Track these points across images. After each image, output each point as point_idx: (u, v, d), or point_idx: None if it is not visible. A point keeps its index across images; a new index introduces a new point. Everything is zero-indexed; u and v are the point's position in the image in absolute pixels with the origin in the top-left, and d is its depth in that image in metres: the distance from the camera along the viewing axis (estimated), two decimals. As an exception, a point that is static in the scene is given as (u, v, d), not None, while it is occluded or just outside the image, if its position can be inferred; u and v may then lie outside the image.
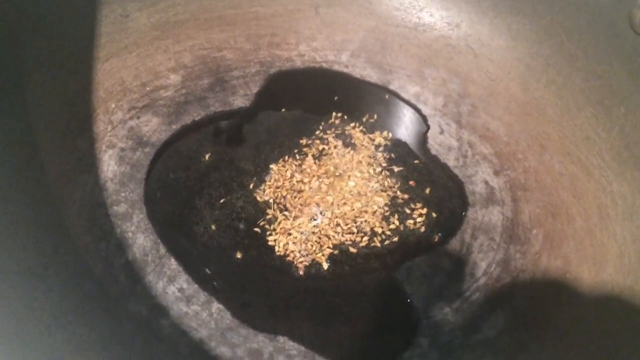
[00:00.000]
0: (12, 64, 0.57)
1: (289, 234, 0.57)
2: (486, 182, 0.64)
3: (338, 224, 0.59)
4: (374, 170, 0.64)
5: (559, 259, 0.56)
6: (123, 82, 0.66)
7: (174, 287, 0.52)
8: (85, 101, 0.63)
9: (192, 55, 0.72)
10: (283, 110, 0.70)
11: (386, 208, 0.61)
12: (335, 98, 0.73)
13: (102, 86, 0.65)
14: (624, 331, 0.48)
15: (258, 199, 0.60)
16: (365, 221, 0.59)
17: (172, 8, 0.72)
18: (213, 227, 0.57)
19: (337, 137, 0.67)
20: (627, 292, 0.50)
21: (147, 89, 0.68)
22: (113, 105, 0.65)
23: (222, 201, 0.59)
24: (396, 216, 0.60)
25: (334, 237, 0.58)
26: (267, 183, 0.61)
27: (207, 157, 0.63)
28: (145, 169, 0.61)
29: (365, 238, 0.58)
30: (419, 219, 0.60)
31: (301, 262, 0.56)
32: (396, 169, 0.64)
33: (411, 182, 0.63)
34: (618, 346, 0.47)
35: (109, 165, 0.60)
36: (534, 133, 0.67)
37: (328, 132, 0.68)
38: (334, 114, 0.70)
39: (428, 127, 0.69)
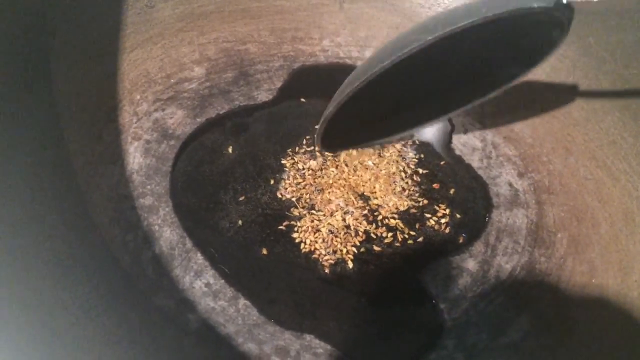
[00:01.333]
0: (40, 54, 0.57)
1: (315, 231, 0.57)
2: (510, 184, 0.64)
3: (363, 223, 0.59)
4: (399, 169, 0.63)
5: (584, 264, 0.56)
6: (148, 74, 0.66)
7: (200, 282, 0.52)
8: (111, 92, 0.63)
9: (216, 47, 0.72)
10: (307, 105, 0.69)
11: (411, 208, 0.60)
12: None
13: (127, 77, 0.65)
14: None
15: (283, 195, 0.60)
16: (391, 221, 0.59)
17: (196, -1, 0.72)
18: (239, 222, 0.57)
19: (361, 134, 0.67)
20: (654, 299, 0.50)
21: (172, 80, 0.67)
22: (138, 97, 0.64)
23: (247, 196, 0.59)
24: (421, 216, 0.60)
25: (359, 235, 0.58)
26: (292, 179, 0.61)
27: (231, 151, 0.63)
28: (170, 162, 0.61)
29: (390, 238, 0.58)
30: (443, 220, 0.60)
31: (327, 260, 0.56)
32: (421, 169, 0.64)
33: (435, 183, 0.63)
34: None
35: (135, 157, 0.60)
36: (558, 135, 0.66)
37: (352, 129, 0.67)
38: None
39: (453, 127, 0.69)
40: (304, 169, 0.62)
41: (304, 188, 0.61)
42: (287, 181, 0.61)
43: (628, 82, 0.62)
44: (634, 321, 0.50)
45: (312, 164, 0.63)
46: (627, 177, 0.59)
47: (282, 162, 0.63)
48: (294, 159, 0.63)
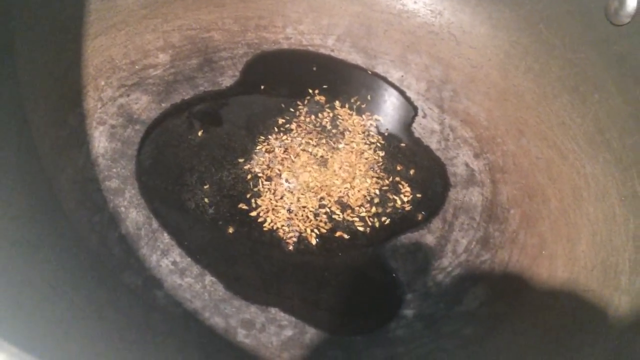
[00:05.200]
0: (2, 39, 0.57)
1: (278, 210, 0.59)
2: (467, 165, 0.67)
3: (326, 201, 0.61)
4: (362, 150, 0.66)
5: (535, 237, 0.60)
6: (112, 60, 0.67)
7: (167, 260, 0.54)
8: (75, 78, 0.64)
9: (181, 35, 0.73)
10: (271, 90, 0.71)
11: (373, 187, 0.63)
12: (315, 68, 0.75)
13: (92, 63, 0.65)
14: (596, 303, 0.52)
15: (247, 176, 0.62)
16: (353, 199, 0.61)
17: (160, -13, 0.73)
18: (206, 200, 0.58)
19: (325, 117, 0.69)
20: (599, 267, 0.54)
21: (136, 67, 0.68)
22: (103, 83, 0.65)
23: (212, 178, 0.61)
24: (382, 195, 0.63)
25: (322, 213, 0.60)
26: (256, 160, 0.63)
27: (196, 135, 0.64)
28: (136, 145, 0.61)
29: (352, 215, 0.60)
30: (404, 199, 0.62)
31: (290, 238, 0.57)
32: (382, 150, 0.67)
33: (397, 164, 0.66)
34: (590, 316, 0.51)
35: (100, 142, 0.60)
36: (512, 118, 0.70)
37: (316, 113, 0.69)
38: (319, 92, 0.72)
39: (416, 111, 0.71)
40: (270, 151, 0.64)
41: (269, 169, 0.62)
42: (252, 163, 0.63)
43: (576, 66, 0.66)
44: (580, 288, 0.54)
45: (279, 147, 0.64)
46: (575, 155, 0.63)
47: (248, 144, 0.64)
48: (260, 142, 0.65)
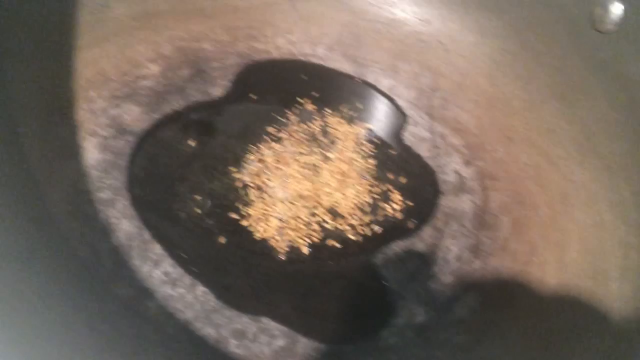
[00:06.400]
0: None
1: (269, 220, 0.59)
2: (457, 172, 0.67)
3: (317, 210, 0.61)
4: (352, 158, 0.66)
5: (525, 244, 0.60)
6: (103, 72, 0.67)
7: (159, 271, 0.54)
8: (66, 89, 0.64)
9: (172, 46, 0.73)
10: (262, 100, 0.71)
11: (364, 196, 0.63)
12: (305, 78, 0.75)
13: (83, 75, 0.65)
14: (586, 309, 0.52)
15: (239, 185, 0.62)
16: (344, 207, 0.62)
17: (151, -1, 0.73)
18: (197, 211, 0.59)
19: (315, 126, 0.69)
20: (589, 273, 0.54)
21: (128, 78, 0.68)
22: (93, 94, 0.65)
23: (204, 188, 0.61)
24: (374, 204, 0.63)
25: (313, 222, 0.60)
26: (248, 170, 0.63)
27: (188, 145, 0.64)
28: (127, 156, 0.62)
29: (344, 224, 0.60)
30: (395, 207, 0.63)
31: (282, 247, 0.58)
32: (373, 158, 0.67)
33: (388, 172, 0.66)
34: (581, 323, 0.51)
35: (92, 153, 0.60)
36: (501, 125, 0.70)
37: (307, 121, 0.70)
38: (309, 101, 0.72)
39: (406, 119, 0.72)
40: (261, 160, 0.64)
41: (260, 178, 0.62)
42: (243, 173, 0.63)
43: (563, 73, 0.66)
44: (571, 295, 0.54)
45: (270, 156, 0.65)
46: (564, 161, 0.63)
47: (239, 154, 0.65)
48: (251, 151, 0.65)
